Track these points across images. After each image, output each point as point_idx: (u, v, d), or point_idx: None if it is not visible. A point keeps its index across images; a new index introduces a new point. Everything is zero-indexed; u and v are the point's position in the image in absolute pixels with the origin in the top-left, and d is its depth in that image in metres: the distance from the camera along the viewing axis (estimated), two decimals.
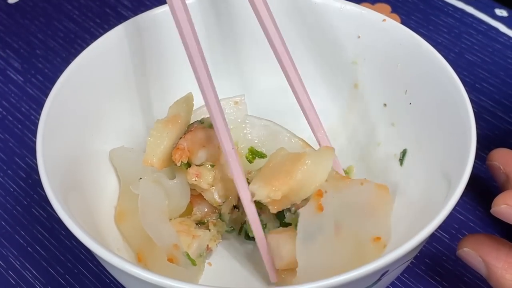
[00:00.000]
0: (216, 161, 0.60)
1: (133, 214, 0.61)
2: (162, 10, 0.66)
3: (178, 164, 0.58)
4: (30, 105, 0.78)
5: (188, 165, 0.59)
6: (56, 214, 0.52)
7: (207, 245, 0.61)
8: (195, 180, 0.59)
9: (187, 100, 0.61)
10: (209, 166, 0.60)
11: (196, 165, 0.59)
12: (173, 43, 0.66)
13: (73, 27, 0.87)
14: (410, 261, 0.56)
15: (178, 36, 0.63)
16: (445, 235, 0.66)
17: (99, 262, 0.61)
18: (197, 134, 0.59)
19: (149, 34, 0.66)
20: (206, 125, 0.61)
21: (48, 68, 0.82)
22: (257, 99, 0.68)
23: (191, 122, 0.61)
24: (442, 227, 0.66)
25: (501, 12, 0.87)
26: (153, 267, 0.58)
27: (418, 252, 0.64)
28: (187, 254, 0.58)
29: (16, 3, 0.90)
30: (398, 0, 0.89)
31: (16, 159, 0.73)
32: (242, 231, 0.63)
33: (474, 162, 0.70)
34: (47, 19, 0.88)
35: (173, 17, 0.54)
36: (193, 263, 0.58)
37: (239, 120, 0.65)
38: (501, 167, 0.64)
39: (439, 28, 0.85)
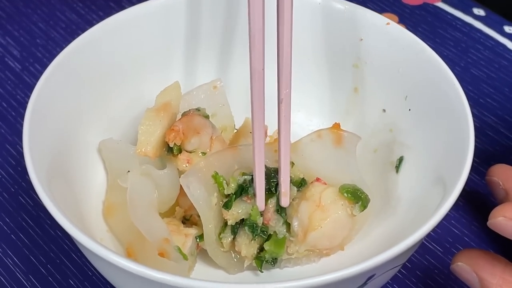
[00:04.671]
0: (207, 150, 0.59)
1: (122, 208, 0.60)
2: (151, 4, 0.65)
3: (171, 144, 0.58)
4: (25, 93, 0.77)
5: (179, 151, 0.58)
6: (43, 203, 0.51)
7: (197, 244, 0.60)
8: (186, 166, 0.58)
9: (175, 88, 0.61)
10: (201, 154, 0.59)
11: (187, 152, 0.59)
12: (161, 35, 0.67)
13: (75, 19, 0.86)
14: (398, 268, 0.54)
15: (165, 28, 0.65)
16: (439, 248, 0.65)
17: (83, 254, 0.60)
18: (193, 120, 0.59)
19: (137, 26, 0.65)
20: (202, 113, 0.60)
21: (47, 57, 0.81)
22: (233, 86, 0.68)
23: (184, 110, 0.61)
24: (436, 240, 0.65)
25: (510, 29, 0.86)
26: (144, 262, 0.57)
27: (409, 264, 0.63)
28: (179, 248, 0.57)
29: None
30: (406, 11, 0.88)
31: (7, 145, 0.72)
32: None
33: (472, 176, 0.69)
34: (50, 9, 0.88)
35: None
36: (185, 257, 0.57)
37: (220, 105, 0.64)
38: (501, 183, 0.62)
39: (446, 41, 0.84)
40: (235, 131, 0.65)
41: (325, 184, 0.59)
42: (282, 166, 0.56)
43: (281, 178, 0.56)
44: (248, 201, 0.57)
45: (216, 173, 0.57)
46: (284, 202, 0.58)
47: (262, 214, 0.58)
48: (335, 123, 0.61)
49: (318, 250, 0.59)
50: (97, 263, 0.54)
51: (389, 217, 0.60)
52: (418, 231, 0.49)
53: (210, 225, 0.57)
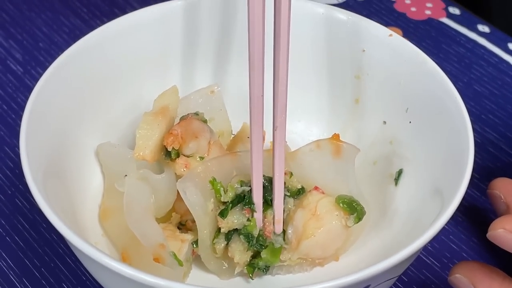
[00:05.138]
0: (205, 155, 0.59)
1: (118, 212, 0.59)
2: (150, 10, 0.65)
3: (170, 148, 0.57)
4: (26, 96, 0.76)
5: (177, 155, 0.58)
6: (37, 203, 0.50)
7: (193, 250, 0.60)
8: (184, 170, 0.58)
9: (173, 92, 0.61)
10: (198, 158, 0.59)
11: (185, 156, 0.58)
12: (159, 40, 0.67)
13: (79, 24, 0.86)
14: (394, 280, 0.54)
15: (163, 33, 0.66)
16: (436, 263, 0.64)
17: (77, 258, 0.60)
18: (191, 124, 0.59)
19: (137, 31, 0.65)
20: (200, 118, 0.60)
21: (49, 61, 0.80)
22: (231, 91, 0.68)
23: (182, 115, 0.60)
24: (434, 254, 0.64)
25: None
26: (139, 267, 0.56)
27: (406, 278, 0.62)
28: (174, 254, 0.56)
29: None
30: (410, 26, 0.88)
31: (6, 148, 0.72)
32: None
33: (472, 192, 0.69)
34: (54, 13, 0.87)
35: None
36: (180, 263, 0.56)
37: (217, 110, 0.64)
38: (502, 197, 0.62)
39: (450, 57, 0.84)
40: (232, 136, 0.65)
41: (323, 193, 0.58)
42: (276, 194, 0.56)
43: (275, 206, 0.57)
44: (247, 214, 0.57)
45: (214, 179, 0.57)
46: (278, 229, 0.58)
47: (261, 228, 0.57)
48: (335, 134, 0.61)
49: (310, 259, 0.59)
50: (91, 267, 0.53)
51: (386, 229, 0.60)
52: (414, 243, 0.48)
53: (205, 231, 0.57)
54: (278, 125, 0.53)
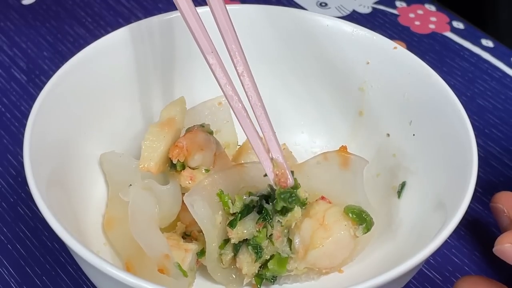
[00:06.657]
0: (210, 167, 0.59)
1: (122, 222, 0.59)
2: (155, 20, 0.65)
3: (175, 161, 0.57)
4: (30, 104, 0.76)
5: (183, 167, 0.58)
6: (41, 213, 0.50)
7: (197, 260, 0.60)
8: (189, 183, 0.58)
9: (181, 103, 0.60)
10: (204, 171, 0.58)
11: (190, 168, 0.58)
12: (165, 50, 0.67)
13: (83, 33, 0.86)
14: None
15: (169, 43, 0.66)
16: (438, 276, 0.64)
17: (79, 267, 0.60)
18: (197, 136, 0.58)
19: (142, 41, 0.65)
20: (206, 129, 0.60)
21: (53, 70, 0.80)
22: None
23: (188, 126, 0.60)
24: (436, 268, 0.64)
25: None
26: (143, 277, 0.56)
27: None
28: (179, 265, 0.56)
29: (30, 4, 0.90)
30: (414, 39, 0.88)
31: (9, 156, 0.72)
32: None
33: (475, 206, 0.69)
34: (58, 23, 0.87)
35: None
36: (185, 274, 0.56)
37: (224, 122, 0.64)
38: (506, 211, 0.62)
39: (453, 71, 0.84)
40: (238, 146, 0.65)
41: (330, 203, 0.58)
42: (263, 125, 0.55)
43: (266, 138, 0.55)
44: (258, 227, 0.56)
45: (221, 192, 0.57)
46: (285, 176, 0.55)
47: (270, 236, 0.57)
48: (342, 146, 0.61)
49: (317, 269, 0.59)
50: (94, 276, 0.54)
51: (390, 241, 0.60)
52: (416, 256, 0.48)
53: (213, 243, 0.57)
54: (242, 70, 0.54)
